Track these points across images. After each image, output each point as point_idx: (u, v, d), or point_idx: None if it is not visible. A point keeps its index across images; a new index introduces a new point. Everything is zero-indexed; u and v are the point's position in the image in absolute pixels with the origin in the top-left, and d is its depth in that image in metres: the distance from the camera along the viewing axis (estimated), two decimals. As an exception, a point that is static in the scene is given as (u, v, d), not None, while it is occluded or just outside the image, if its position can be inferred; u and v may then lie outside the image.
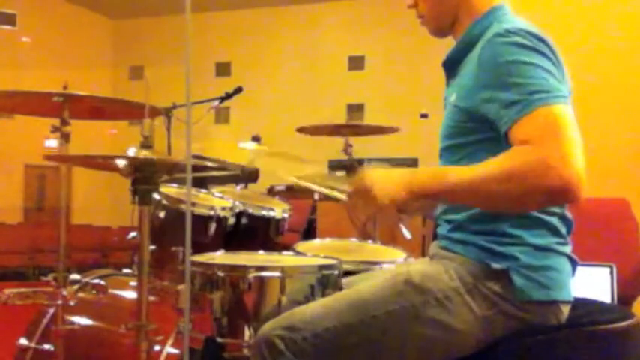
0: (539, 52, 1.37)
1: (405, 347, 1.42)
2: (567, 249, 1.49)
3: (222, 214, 2.33)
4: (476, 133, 1.46)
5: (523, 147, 1.29)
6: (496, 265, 1.41)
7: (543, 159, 1.24)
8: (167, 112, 3.50)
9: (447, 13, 1.60)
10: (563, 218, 1.48)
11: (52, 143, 2.52)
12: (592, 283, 2.46)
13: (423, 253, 1.62)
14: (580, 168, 1.24)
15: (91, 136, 5.37)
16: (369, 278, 1.64)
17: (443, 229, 1.55)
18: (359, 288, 1.51)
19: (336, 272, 1.63)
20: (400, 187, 1.40)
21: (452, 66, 1.60)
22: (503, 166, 1.29)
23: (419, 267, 1.50)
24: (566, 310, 1.46)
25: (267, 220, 2.50)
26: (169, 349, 2.06)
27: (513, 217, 1.43)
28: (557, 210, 1.46)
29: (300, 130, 3.49)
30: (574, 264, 1.50)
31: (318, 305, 1.48)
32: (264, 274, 1.56)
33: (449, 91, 1.60)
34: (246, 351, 1.55)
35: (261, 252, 1.98)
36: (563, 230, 1.48)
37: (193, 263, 1.59)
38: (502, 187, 1.28)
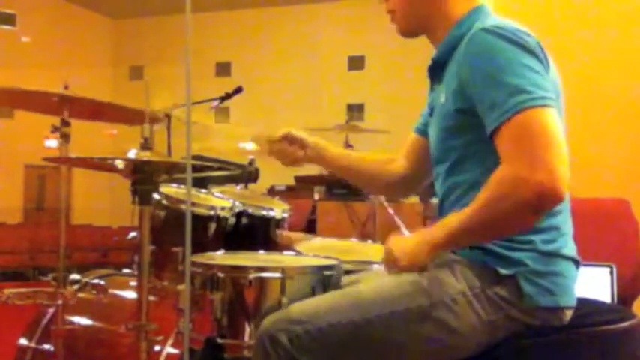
0: (527, 50, 1.37)
1: (407, 348, 1.41)
2: (572, 251, 1.49)
3: (222, 214, 2.33)
4: (474, 130, 1.44)
5: (497, 170, 1.32)
6: (504, 271, 1.40)
7: (512, 175, 1.28)
8: (167, 112, 3.50)
9: (415, 15, 1.59)
10: (567, 214, 1.49)
11: (52, 143, 2.52)
12: (592, 283, 2.46)
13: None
14: (553, 169, 1.25)
15: (91, 136, 5.36)
16: (373, 277, 1.63)
17: None
18: (363, 287, 1.50)
19: (337, 273, 1.63)
20: (419, 246, 1.41)
21: (437, 69, 1.59)
22: (486, 196, 1.32)
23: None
24: (569, 314, 1.46)
25: (267, 220, 2.49)
26: (169, 349, 2.05)
27: None
28: (560, 207, 1.44)
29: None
30: (577, 265, 1.49)
31: (321, 300, 1.47)
32: (264, 274, 1.56)
33: (435, 95, 1.59)
34: (246, 352, 1.55)
35: (261, 252, 1.98)
36: (568, 228, 1.49)
37: (193, 263, 1.59)
38: (490, 215, 1.31)
